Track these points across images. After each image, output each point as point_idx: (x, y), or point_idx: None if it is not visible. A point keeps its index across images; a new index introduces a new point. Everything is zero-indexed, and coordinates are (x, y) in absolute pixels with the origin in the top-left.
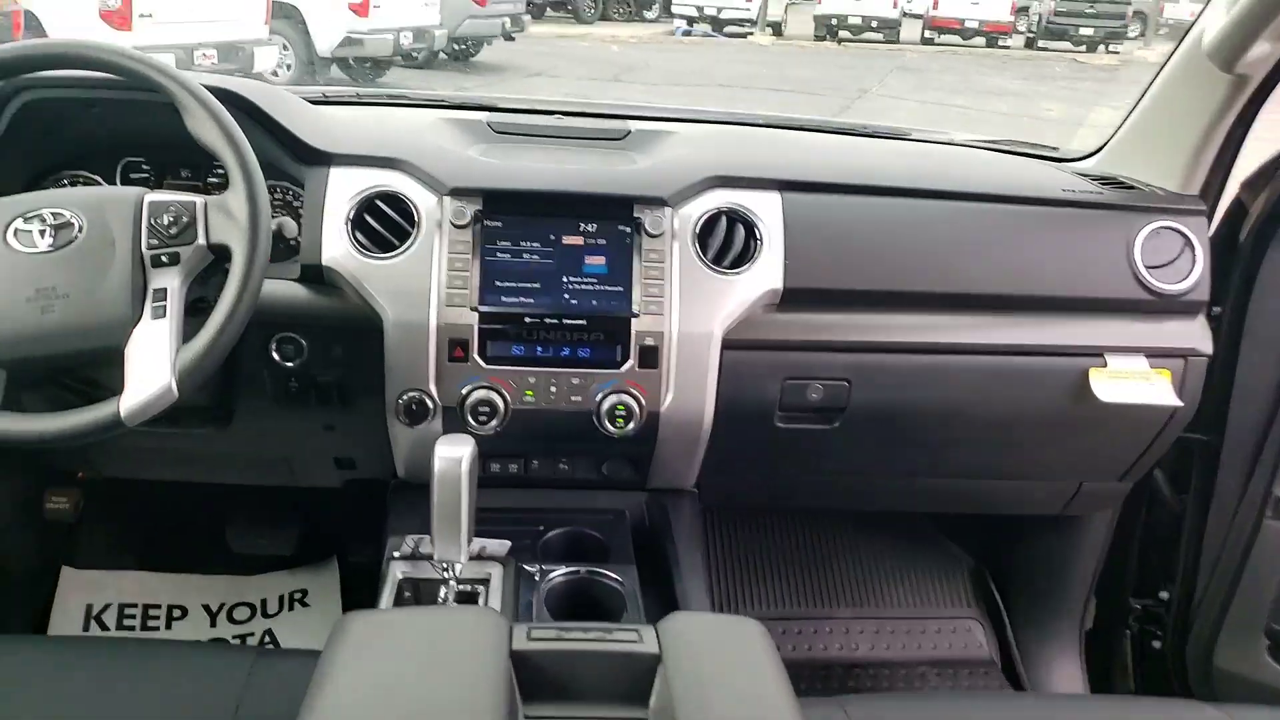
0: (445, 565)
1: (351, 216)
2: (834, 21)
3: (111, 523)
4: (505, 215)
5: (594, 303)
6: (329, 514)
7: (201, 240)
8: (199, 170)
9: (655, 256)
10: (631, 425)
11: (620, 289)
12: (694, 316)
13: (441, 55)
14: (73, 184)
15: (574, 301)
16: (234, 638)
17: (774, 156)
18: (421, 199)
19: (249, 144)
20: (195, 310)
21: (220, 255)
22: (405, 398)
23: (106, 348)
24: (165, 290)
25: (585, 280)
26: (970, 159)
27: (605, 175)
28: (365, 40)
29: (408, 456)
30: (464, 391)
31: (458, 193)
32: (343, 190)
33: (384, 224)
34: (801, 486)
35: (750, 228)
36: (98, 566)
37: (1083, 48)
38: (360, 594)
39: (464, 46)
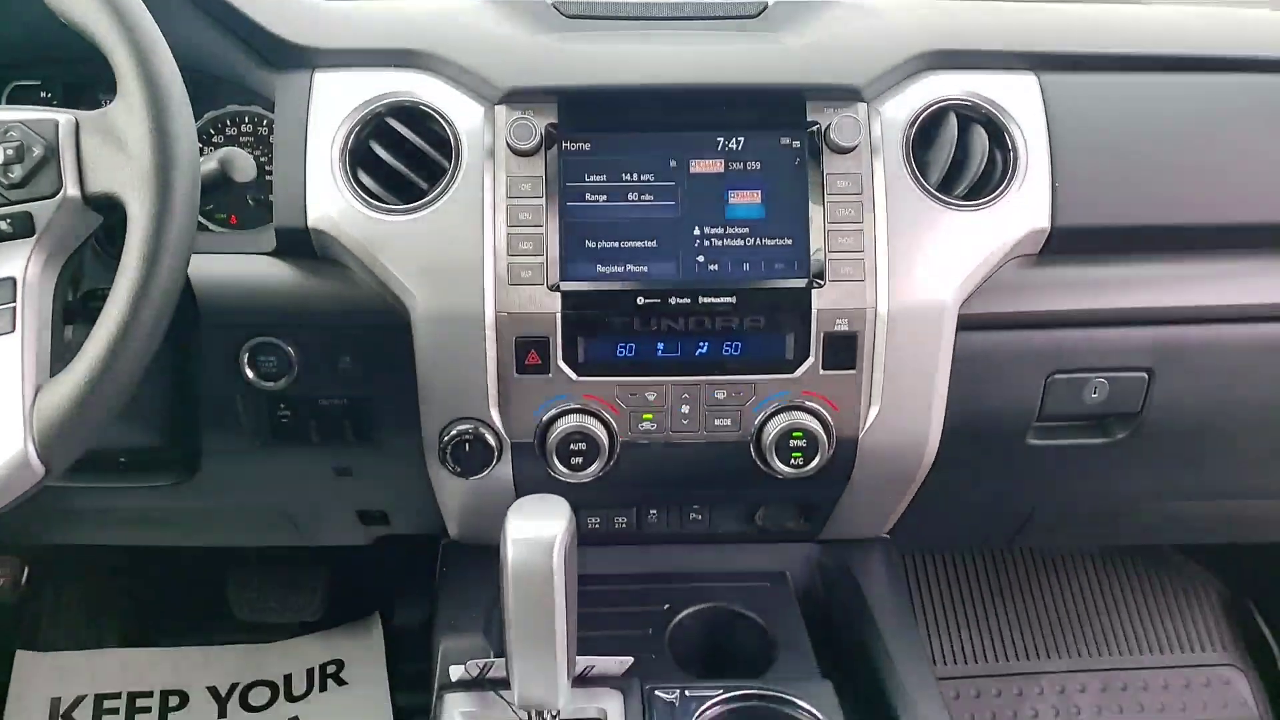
0: (534, 709)
1: (350, 148)
2: None
3: (73, 592)
4: (595, 132)
5: (747, 266)
6: (364, 563)
7: (72, 189)
8: (56, 80)
9: (846, 185)
10: (815, 461)
11: (789, 241)
12: (913, 281)
13: None
14: None
15: (714, 267)
16: None
17: (1014, 19)
18: (460, 113)
19: (150, 17)
20: (82, 314)
21: (109, 214)
22: (453, 432)
23: None
24: (12, 283)
25: (731, 230)
26: None
27: (753, 58)
28: None
29: (461, 514)
30: (544, 419)
31: (518, 97)
32: (335, 107)
33: (402, 158)
34: (1037, 524)
35: (997, 132)
36: (67, 647)
37: None
38: (412, 666)
39: None
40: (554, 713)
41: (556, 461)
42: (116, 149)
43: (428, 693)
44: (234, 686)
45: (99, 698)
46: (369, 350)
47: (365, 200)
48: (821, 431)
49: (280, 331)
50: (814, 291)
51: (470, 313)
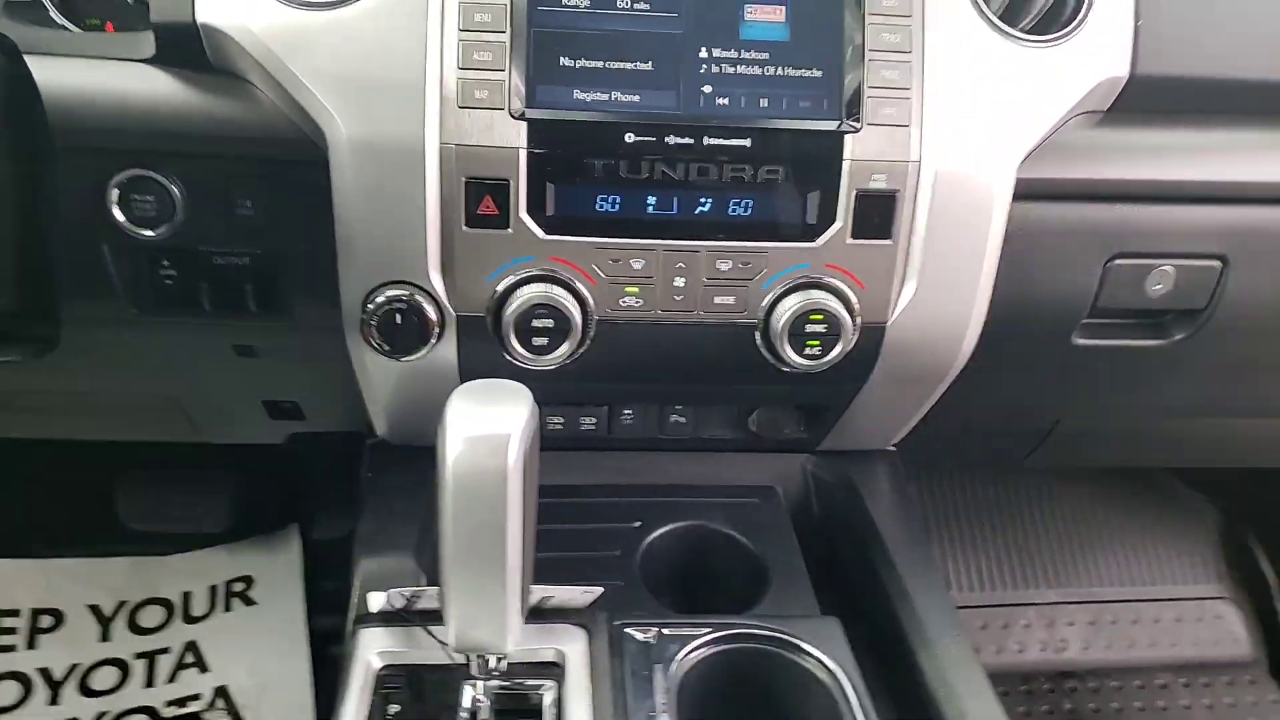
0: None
1: None
2: None
3: None
4: None
5: (764, 101)
6: (279, 467)
7: None
8: None
9: (893, 4)
10: (835, 351)
11: (818, 72)
12: (969, 132)
13: None
14: None
15: (723, 100)
16: (136, 656)
17: None
18: None
19: None
20: None
21: None
22: (379, 299)
23: None
24: None
25: (746, 55)
26: None
27: None
28: None
29: (390, 406)
30: (501, 288)
31: None
32: None
33: None
34: (1057, 439)
35: None
36: None
37: None
38: (333, 585)
39: None
40: (499, 658)
41: (514, 341)
42: None
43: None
44: (121, 605)
45: None
46: (276, 190)
47: None
48: (845, 314)
49: (160, 162)
50: (847, 137)
51: (406, 142)
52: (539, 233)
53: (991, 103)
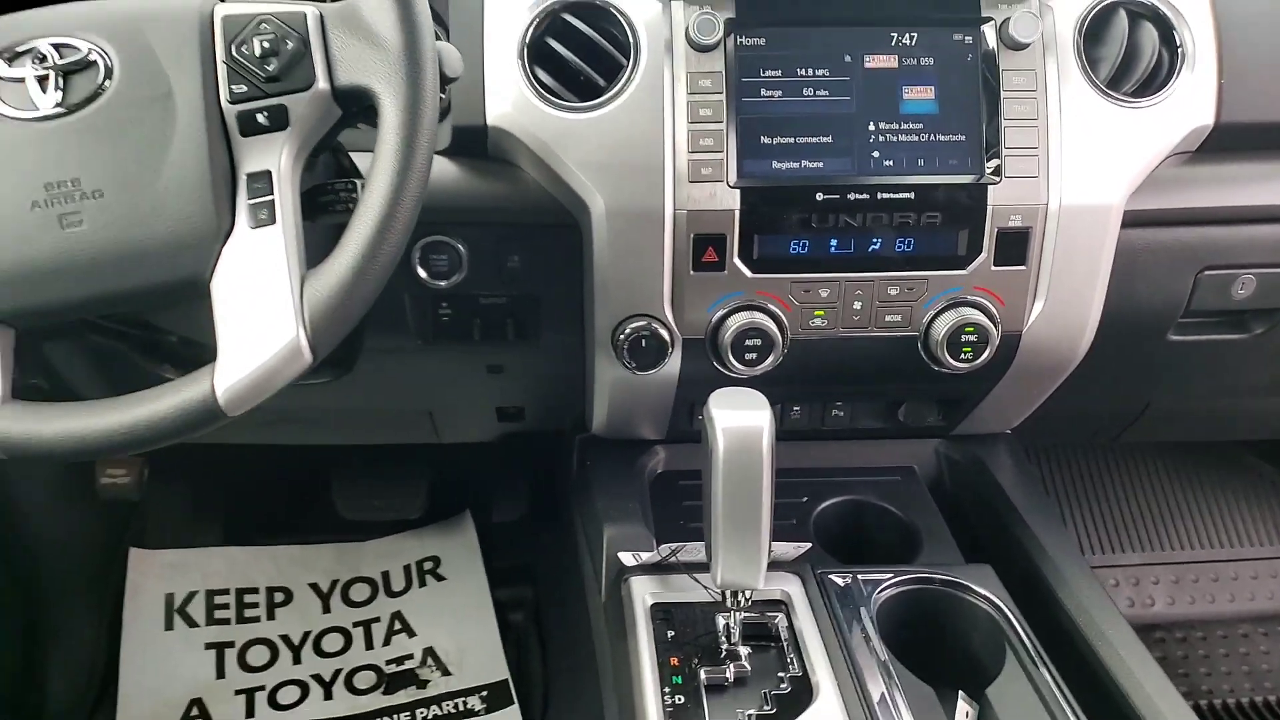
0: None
1: (529, 44)
2: None
3: (185, 490)
4: (770, 27)
5: (921, 161)
6: (460, 461)
7: (322, 83)
8: None
9: (1021, 82)
10: (985, 354)
11: (961, 137)
12: (1085, 177)
13: None
14: None
15: (888, 162)
16: (354, 625)
17: None
18: (638, 8)
19: None
20: (312, 210)
21: (351, 107)
22: (628, 330)
23: (178, 283)
24: (268, 175)
25: (905, 126)
26: None
27: None
28: None
29: (616, 409)
30: (718, 316)
31: None
32: (511, 4)
33: (582, 53)
34: (1149, 418)
35: (1164, 28)
36: (174, 544)
37: None
38: (506, 560)
39: None
40: (747, 593)
41: (730, 357)
42: (364, 41)
43: (526, 585)
44: (335, 583)
45: (210, 594)
46: (537, 248)
47: (544, 97)
48: (990, 326)
49: (452, 229)
50: (989, 187)
51: (650, 210)
52: (747, 273)
53: (1102, 153)
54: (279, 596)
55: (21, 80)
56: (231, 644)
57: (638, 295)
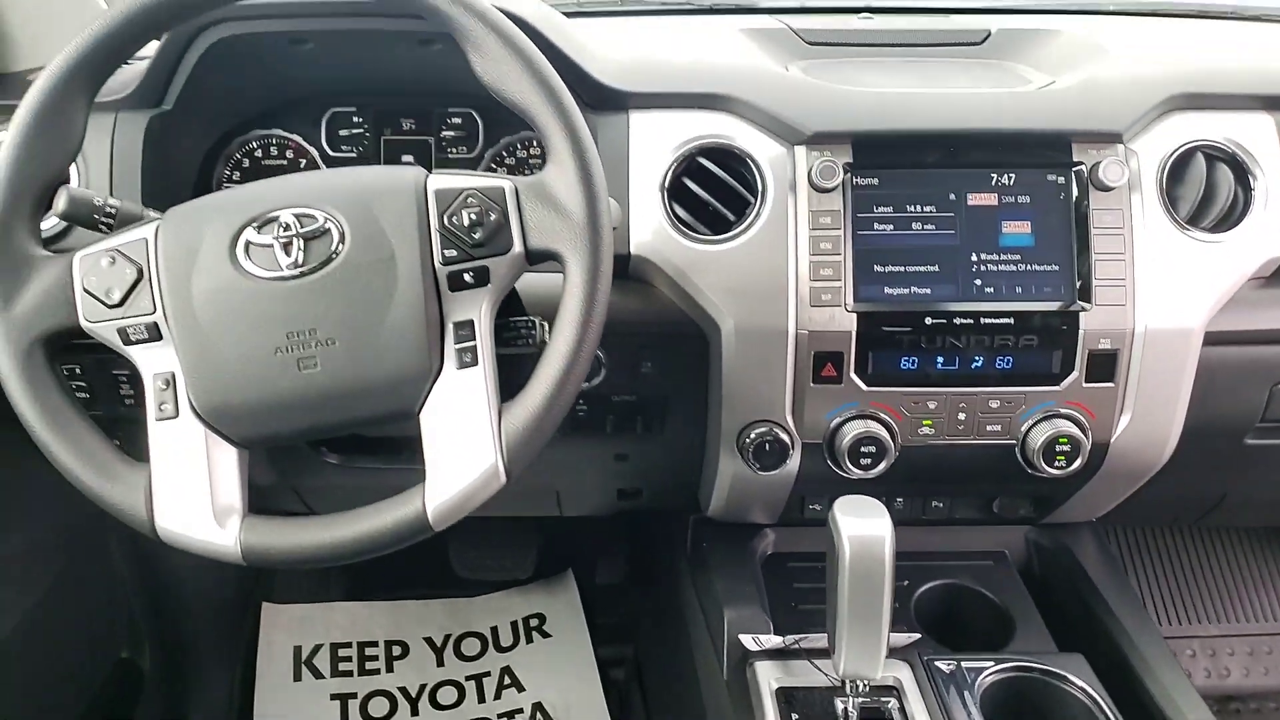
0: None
1: (668, 184)
2: None
3: None
4: (883, 169)
5: (1019, 289)
6: (566, 524)
7: (518, 247)
8: (425, 119)
9: (1110, 220)
10: (1077, 462)
11: (1055, 268)
12: (1167, 304)
13: None
14: (265, 148)
15: (989, 289)
16: (467, 678)
17: (1250, 65)
18: (765, 153)
19: (573, 98)
20: (498, 343)
21: (538, 263)
22: (753, 434)
23: (392, 414)
24: (471, 324)
25: (1004, 257)
26: None
27: (1022, 103)
28: None
29: (737, 498)
30: (835, 424)
31: (820, 140)
32: (652, 146)
33: (714, 191)
34: (1225, 508)
35: (1240, 170)
36: (301, 599)
37: None
38: (607, 619)
39: None
40: (865, 681)
41: (847, 462)
42: (553, 211)
43: (626, 644)
44: (447, 637)
45: (334, 647)
46: (668, 355)
47: (681, 229)
48: (1082, 437)
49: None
50: (1081, 314)
51: (775, 329)
52: (862, 386)
53: (1183, 282)
54: (397, 650)
55: (269, 245)
56: (354, 695)
57: (762, 403)
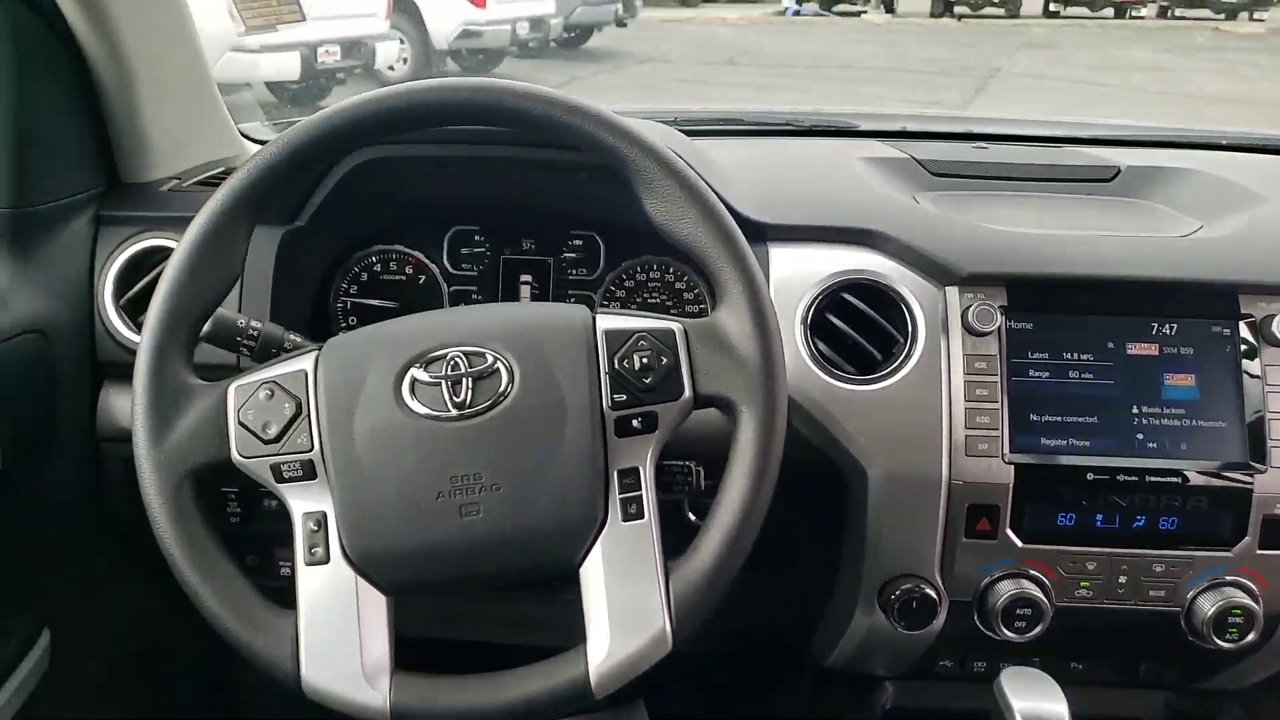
0: None
1: (810, 320)
2: None
3: None
4: (1038, 314)
5: (1184, 445)
6: None
7: (688, 392)
8: (546, 240)
9: None
10: (1250, 636)
11: (1222, 424)
12: None
13: (552, 43)
14: (385, 263)
15: (1152, 444)
16: None
17: None
18: (915, 290)
19: (745, 240)
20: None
21: (706, 407)
22: (899, 590)
23: (549, 567)
24: (637, 471)
25: (1167, 410)
26: None
27: (1181, 249)
28: (483, 32)
29: (866, 651)
30: (987, 582)
31: (974, 281)
32: (792, 280)
33: (860, 328)
34: None
35: None
36: None
37: (1223, 16)
38: None
39: (574, 34)
40: None
41: (1000, 624)
42: (725, 356)
43: None
44: None
45: None
46: (800, 495)
47: (823, 367)
48: (1256, 608)
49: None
50: (1255, 475)
51: (927, 478)
52: (1018, 542)
53: None
54: None
55: (437, 384)
56: None
57: (909, 556)
